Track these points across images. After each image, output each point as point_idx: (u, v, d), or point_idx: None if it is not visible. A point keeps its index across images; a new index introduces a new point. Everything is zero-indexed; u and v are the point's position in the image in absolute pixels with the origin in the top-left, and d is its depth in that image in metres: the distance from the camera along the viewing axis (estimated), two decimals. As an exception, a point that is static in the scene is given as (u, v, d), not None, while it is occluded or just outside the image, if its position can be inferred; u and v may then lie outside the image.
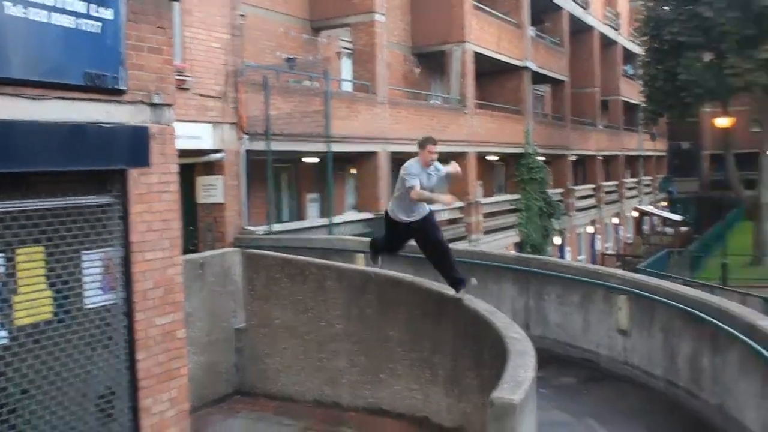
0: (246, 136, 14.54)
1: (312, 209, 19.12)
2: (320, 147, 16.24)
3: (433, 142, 7.87)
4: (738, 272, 26.95)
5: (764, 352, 6.68)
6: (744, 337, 7.12)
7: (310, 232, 15.66)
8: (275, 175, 16.27)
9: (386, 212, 8.22)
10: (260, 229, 14.69)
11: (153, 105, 6.51)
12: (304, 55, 19.11)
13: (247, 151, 14.59)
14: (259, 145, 14.75)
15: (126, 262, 6.32)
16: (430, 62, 24.61)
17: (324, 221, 16.70)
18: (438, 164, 8.06)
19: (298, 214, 18.79)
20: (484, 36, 24.66)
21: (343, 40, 20.90)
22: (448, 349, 8.18)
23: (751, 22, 27.44)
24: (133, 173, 6.30)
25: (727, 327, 7.48)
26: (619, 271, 10.62)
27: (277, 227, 15.30)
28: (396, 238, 8.28)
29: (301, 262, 10.08)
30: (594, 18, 37.28)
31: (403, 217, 7.93)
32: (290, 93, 16.20)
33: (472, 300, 7.83)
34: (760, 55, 27.34)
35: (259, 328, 10.48)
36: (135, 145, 6.33)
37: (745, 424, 7.21)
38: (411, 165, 7.81)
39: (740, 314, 7.49)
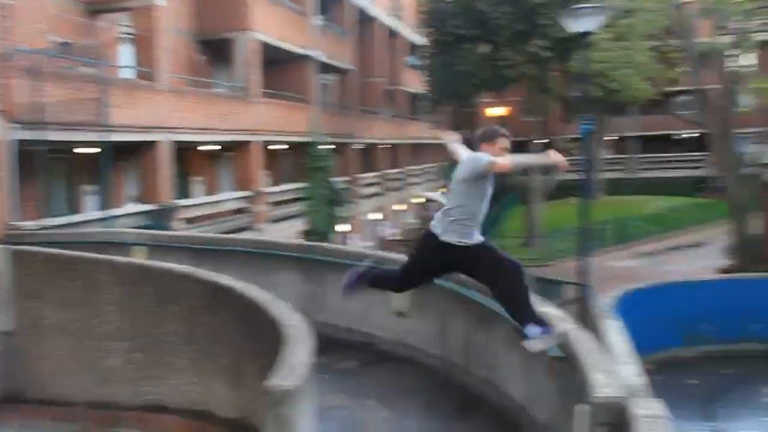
0: (14, 125, 13.64)
1: (89, 202, 18.25)
2: (97, 136, 15.54)
3: (506, 134, 5.82)
4: (512, 253, 28.63)
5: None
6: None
7: (86, 226, 14.95)
8: (49, 167, 15.38)
9: (426, 233, 5.98)
10: (31, 225, 13.84)
11: None
12: (80, 40, 18.17)
13: (17, 141, 13.70)
14: (30, 135, 13.89)
15: None
16: (216, 50, 24.19)
17: (102, 214, 16.00)
18: None
19: (75, 208, 17.88)
20: (269, 24, 24.56)
21: (123, 25, 20.08)
22: (228, 340, 8.12)
23: (521, 18, 29.16)
24: None
25: (492, 304, 7.91)
26: (397, 256, 10.94)
27: (51, 222, 14.49)
28: (427, 268, 6.16)
29: (72, 258, 9.63)
30: (379, 9, 38.16)
31: (455, 240, 5.83)
32: (64, 79, 15.36)
33: (250, 289, 7.81)
34: (530, 49, 29.18)
35: (29, 330, 9.91)
36: None
37: (511, 395, 7.70)
38: (475, 154, 5.77)
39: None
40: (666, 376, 11.74)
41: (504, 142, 5.70)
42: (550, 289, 14.97)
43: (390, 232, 37.99)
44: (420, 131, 46.65)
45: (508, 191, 41.72)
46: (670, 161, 51.95)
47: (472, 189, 5.72)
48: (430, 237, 5.84)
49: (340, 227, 28.30)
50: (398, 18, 42.23)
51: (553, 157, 5.59)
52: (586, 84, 20.47)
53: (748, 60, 38.21)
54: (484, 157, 5.52)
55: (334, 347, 9.87)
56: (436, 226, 5.81)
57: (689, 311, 13.05)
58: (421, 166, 47.07)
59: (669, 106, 45.51)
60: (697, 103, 29.65)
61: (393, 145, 40.76)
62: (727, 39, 27.65)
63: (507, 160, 5.50)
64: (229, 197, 22.62)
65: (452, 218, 5.76)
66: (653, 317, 12.67)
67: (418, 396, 8.55)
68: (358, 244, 28.56)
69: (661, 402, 5.29)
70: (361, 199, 33.61)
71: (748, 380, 12.06)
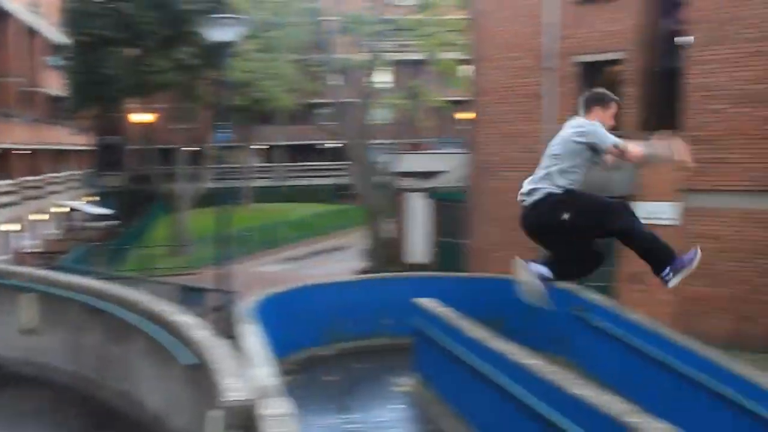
0: None
1: None
2: None
3: (618, 100, 5.07)
4: (161, 262, 28.33)
5: (158, 337, 7.13)
6: (144, 325, 7.51)
7: None
8: None
9: (550, 195, 4.75)
10: None
11: None
12: None
13: None
14: None
15: None
16: None
17: None
18: None
19: None
20: None
21: None
22: None
23: (168, 23, 28.86)
24: None
25: (130, 316, 7.80)
26: (26, 269, 10.31)
27: None
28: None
29: None
30: (15, 4, 35.45)
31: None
32: None
33: None
34: (177, 55, 29.01)
35: None
36: None
37: (149, 406, 7.63)
38: (589, 122, 4.86)
39: (142, 303, 7.88)
40: (306, 374, 12.29)
41: (616, 108, 5.06)
42: (194, 296, 15.00)
43: (28, 243, 35.51)
44: (64, 136, 44.12)
45: (154, 199, 41.10)
46: (315, 170, 54.44)
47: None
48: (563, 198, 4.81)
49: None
50: (39, 15, 39.52)
51: (679, 150, 4.64)
52: (230, 93, 20.71)
53: (384, 77, 41.49)
54: (610, 136, 4.73)
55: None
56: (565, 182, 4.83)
57: (329, 311, 13.66)
58: (64, 174, 44.46)
59: (313, 117, 47.78)
60: (337, 115, 31.53)
61: (32, 150, 38.05)
62: (363, 56, 29.74)
63: (639, 150, 4.63)
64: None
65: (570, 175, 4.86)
66: (295, 319, 13.13)
67: (49, 417, 8.14)
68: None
69: (293, 400, 5.58)
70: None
71: (379, 372, 12.97)
